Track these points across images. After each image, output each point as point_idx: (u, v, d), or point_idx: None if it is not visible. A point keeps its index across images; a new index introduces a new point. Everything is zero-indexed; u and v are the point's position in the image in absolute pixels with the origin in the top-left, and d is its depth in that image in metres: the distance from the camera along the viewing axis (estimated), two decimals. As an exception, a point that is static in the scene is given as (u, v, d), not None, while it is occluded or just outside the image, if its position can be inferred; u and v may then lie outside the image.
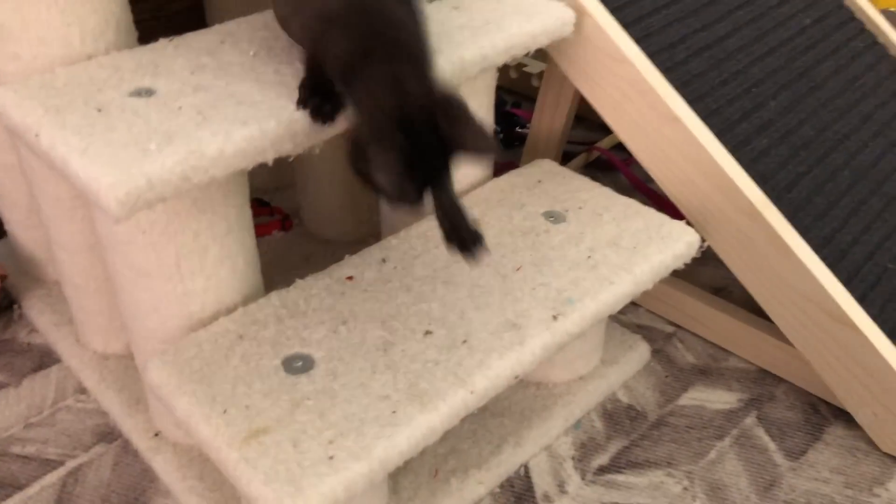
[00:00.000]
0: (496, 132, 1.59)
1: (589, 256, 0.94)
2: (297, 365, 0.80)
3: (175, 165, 0.70)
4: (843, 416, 1.02)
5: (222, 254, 0.84)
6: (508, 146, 1.58)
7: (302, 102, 0.78)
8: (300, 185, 1.27)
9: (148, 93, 0.80)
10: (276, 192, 1.38)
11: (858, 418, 1.00)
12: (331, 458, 0.70)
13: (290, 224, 1.31)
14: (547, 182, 1.07)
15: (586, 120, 1.53)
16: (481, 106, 1.01)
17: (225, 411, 0.75)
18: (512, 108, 1.65)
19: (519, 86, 1.75)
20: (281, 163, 1.32)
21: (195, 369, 0.79)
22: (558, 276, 0.91)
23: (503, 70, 1.66)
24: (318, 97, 0.78)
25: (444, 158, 0.72)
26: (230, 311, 0.87)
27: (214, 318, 0.86)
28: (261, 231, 1.27)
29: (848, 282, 0.98)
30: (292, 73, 0.83)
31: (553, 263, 0.93)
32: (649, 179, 1.12)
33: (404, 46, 0.75)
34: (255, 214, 1.13)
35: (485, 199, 1.03)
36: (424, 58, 0.75)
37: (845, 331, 0.95)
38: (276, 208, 1.33)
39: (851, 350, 0.96)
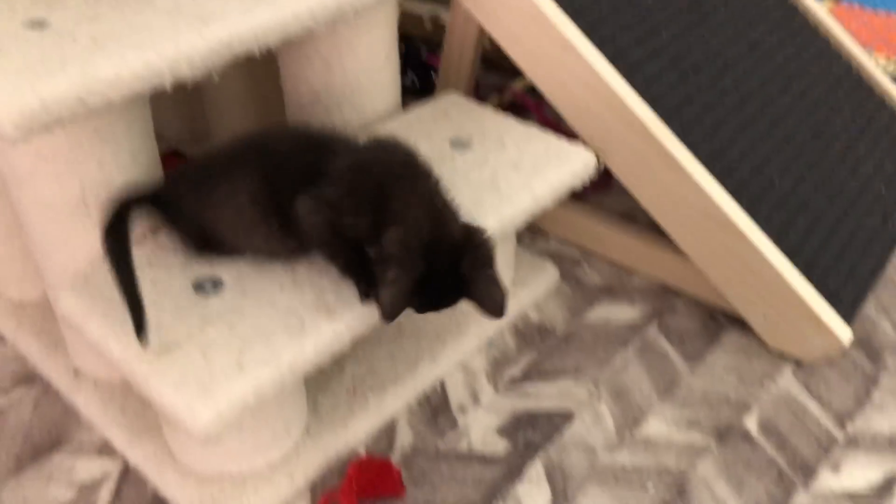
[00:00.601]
0: (413, 81, 1.62)
1: (492, 179, 0.98)
2: (207, 287, 0.82)
3: (70, 88, 0.71)
4: (738, 322, 1.09)
5: (128, 183, 0.86)
6: (426, 93, 1.61)
7: (365, 295, 0.80)
8: (215, 136, 1.28)
9: (42, 24, 0.80)
10: (192, 143, 1.38)
11: (750, 321, 1.07)
12: (240, 365, 0.73)
13: (206, 172, 1.31)
14: (453, 113, 1.10)
15: (500, 67, 1.57)
16: (382, 39, 1.04)
17: (136, 330, 0.77)
18: (428, 56, 1.68)
19: (437, 36, 1.78)
20: (196, 114, 1.34)
21: (106, 296, 0.81)
22: (462, 198, 0.95)
23: (419, 22, 1.70)
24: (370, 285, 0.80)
25: (451, 299, 0.77)
26: (141, 242, 0.88)
27: (126, 249, 0.88)
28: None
29: (736, 193, 1.04)
30: (189, 2, 0.84)
31: (458, 186, 0.97)
32: (561, 120, 1.17)
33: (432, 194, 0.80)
34: (173, 166, 1.14)
35: (393, 130, 1.06)
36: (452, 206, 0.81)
37: (735, 239, 1.02)
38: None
39: (742, 257, 1.02)
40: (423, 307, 0.79)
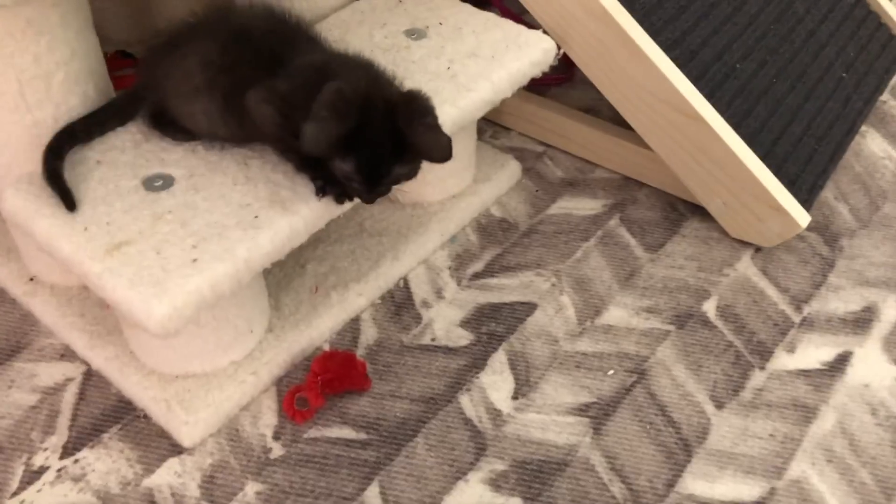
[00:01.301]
0: None
1: (448, 68, 0.95)
2: (157, 184, 0.80)
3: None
4: (699, 212, 1.10)
5: (69, 80, 0.82)
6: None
7: (321, 191, 0.79)
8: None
9: None
10: (139, 44, 1.32)
11: (710, 209, 1.07)
12: (194, 260, 0.72)
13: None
14: (409, 2, 1.06)
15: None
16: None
17: (85, 229, 0.75)
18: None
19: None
20: (142, 13, 1.28)
21: (53, 195, 0.78)
22: (417, 86, 0.92)
23: None
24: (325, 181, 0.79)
25: (398, 150, 0.75)
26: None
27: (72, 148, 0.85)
28: (126, 82, 1.23)
29: (697, 80, 1.02)
30: None
31: (414, 76, 0.94)
32: (524, 12, 1.14)
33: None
34: (119, 66, 1.10)
35: (345, 20, 1.03)
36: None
37: (696, 126, 1.01)
38: (139, 59, 1.29)
39: (702, 144, 1.02)
40: (363, 176, 0.75)
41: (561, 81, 1.31)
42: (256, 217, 0.76)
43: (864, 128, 1.23)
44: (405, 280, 1.02)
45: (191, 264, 0.72)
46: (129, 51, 1.30)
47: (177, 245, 0.73)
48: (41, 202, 0.77)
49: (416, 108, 0.76)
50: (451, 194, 1.09)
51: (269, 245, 0.75)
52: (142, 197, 0.78)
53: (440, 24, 1.02)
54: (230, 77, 0.79)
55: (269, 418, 0.86)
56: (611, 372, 0.91)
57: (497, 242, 1.07)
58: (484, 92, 0.93)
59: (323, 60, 0.81)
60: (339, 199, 0.79)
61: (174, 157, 0.83)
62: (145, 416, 0.86)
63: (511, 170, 1.15)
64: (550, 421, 0.86)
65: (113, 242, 0.74)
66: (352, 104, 0.73)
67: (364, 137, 0.73)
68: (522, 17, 1.36)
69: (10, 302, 0.98)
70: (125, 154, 0.83)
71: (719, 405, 0.88)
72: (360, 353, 0.93)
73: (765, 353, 0.94)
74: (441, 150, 0.75)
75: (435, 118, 0.77)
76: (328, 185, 0.78)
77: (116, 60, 1.24)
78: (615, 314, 0.98)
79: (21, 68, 0.78)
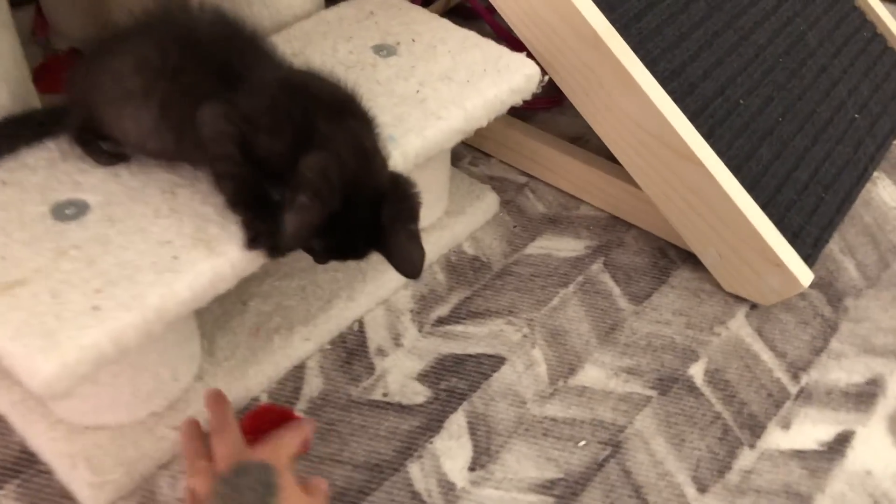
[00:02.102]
0: None
1: (418, 91, 0.85)
2: (69, 212, 0.69)
3: None
4: (691, 259, 1.00)
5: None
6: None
7: (253, 241, 0.68)
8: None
9: None
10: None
11: (704, 259, 0.97)
12: (95, 308, 0.62)
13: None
14: (380, 14, 0.96)
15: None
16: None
17: (-26, 263, 0.64)
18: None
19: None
20: (97, 10, 1.18)
21: (-59, 219, 0.68)
22: (381, 112, 0.81)
23: None
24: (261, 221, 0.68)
25: (362, 250, 0.68)
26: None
27: (-22, 165, 0.74)
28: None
29: (695, 117, 0.92)
30: None
31: (378, 99, 0.84)
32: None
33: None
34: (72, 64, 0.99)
35: (308, 31, 0.92)
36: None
37: (691, 167, 0.91)
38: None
39: (697, 188, 0.92)
40: (328, 253, 0.68)
41: (549, 106, 1.21)
42: (175, 258, 0.66)
43: (875, 173, 1.13)
44: (360, 323, 0.91)
45: (90, 312, 0.61)
46: (82, 48, 1.20)
47: (78, 288, 0.63)
48: (-74, 227, 0.67)
49: (405, 208, 0.68)
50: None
51: (187, 292, 0.65)
52: (48, 227, 0.68)
53: (413, 40, 0.92)
54: (170, 84, 0.69)
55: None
56: (582, 443, 0.81)
57: (467, 283, 0.97)
58: (455, 120, 0.83)
59: (299, 81, 0.71)
60: (273, 254, 0.69)
61: (92, 182, 0.72)
62: (48, 472, 0.76)
63: (488, 202, 1.05)
64: (510, 499, 0.76)
65: (4, 281, 0.63)
66: (336, 189, 0.63)
67: (341, 223, 0.65)
68: (513, 34, 1.26)
69: (-87, 328, 0.87)
70: (36, 175, 0.72)
71: (702, 488, 0.78)
72: (301, 405, 0.82)
73: (756, 429, 0.83)
74: (413, 267, 0.68)
75: (417, 225, 0.69)
76: (262, 234, 0.68)
77: (71, 57, 1.14)
78: (591, 374, 0.87)
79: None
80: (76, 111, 0.74)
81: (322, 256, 0.69)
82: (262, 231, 0.67)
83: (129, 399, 0.75)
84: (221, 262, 0.67)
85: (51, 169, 0.73)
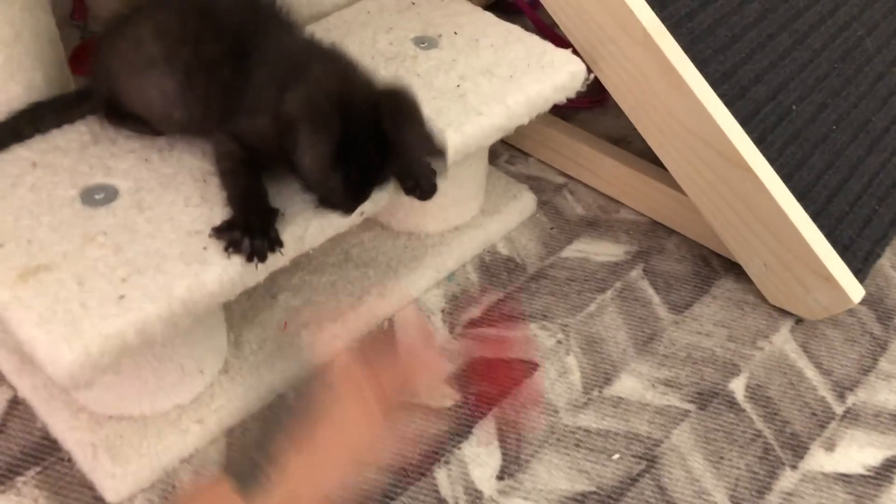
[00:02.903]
0: None
1: (458, 85, 0.82)
2: (98, 197, 0.68)
3: None
4: (735, 269, 0.96)
5: (11, 65, 0.70)
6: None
7: (232, 246, 0.64)
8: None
9: None
10: None
11: (749, 270, 0.93)
12: (121, 297, 0.60)
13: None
14: (422, 4, 0.94)
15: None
16: None
17: (1, 245, 0.63)
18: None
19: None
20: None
21: (-31, 198, 0.66)
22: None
23: None
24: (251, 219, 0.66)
25: (383, 156, 0.65)
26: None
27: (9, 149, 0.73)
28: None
29: (746, 122, 0.89)
30: None
31: (417, 92, 0.81)
32: (556, 25, 1.02)
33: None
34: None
35: (347, 21, 0.90)
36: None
37: (740, 174, 0.87)
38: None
39: (744, 196, 0.88)
40: (352, 188, 0.65)
41: (591, 105, 1.18)
42: (205, 248, 0.64)
43: (930, 187, 1.08)
44: (390, 322, 0.89)
45: (116, 301, 0.60)
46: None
47: (105, 276, 0.61)
48: (-47, 208, 0.66)
49: (402, 106, 0.65)
50: (454, 226, 0.96)
51: (216, 284, 0.63)
52: (76, 212, 0.66)
53: (455, 33, 0.89)
54: (192, 49, 0.67)
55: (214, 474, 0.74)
56: (616, 456, 0.78)
57: (500, 285, 0.94)
58: (496, 117, 0.80)
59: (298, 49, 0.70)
60: (250, 258, 0.65)
61: (123, 167, 0.70)
62: (69, 460, 0.74)
63: (524, 202, 1.02)
64: (539, 511, 0.73)
65: (30, 265, 0.62)
66: (329, 110, 0.61)
67: (351, 146, 0.62)
68: (555, 30, 1.23)
69: (-59, 308, 0.86)
70: (67, 157, 0.71)
71: (740, 510, 0.74)
72: (327, 405, 0.80)
73: (798, 449, 0.80)
74: (431, 146, 0.66)
75: (424, 125, 0.66)
76: (247, 237, 0.64)
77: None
78: (627, 384, 0.84)
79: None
80: (101, 89, 0.73)
81: (346, 198, 0.66)
82: (256, 229, 0.64)
83: (154, 390, 0.73)
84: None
85: (82, 152, 0.72)
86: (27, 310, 0.59)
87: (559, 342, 0.88)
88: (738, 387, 0.85)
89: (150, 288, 0.61)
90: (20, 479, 0.73)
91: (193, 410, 0.75)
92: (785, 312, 0.92)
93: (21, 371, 0.77)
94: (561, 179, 1.08)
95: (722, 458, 0.78)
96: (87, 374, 0.58)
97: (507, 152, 1.12)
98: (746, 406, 0.83)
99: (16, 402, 0.79)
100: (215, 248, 0.64)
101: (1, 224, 0.65)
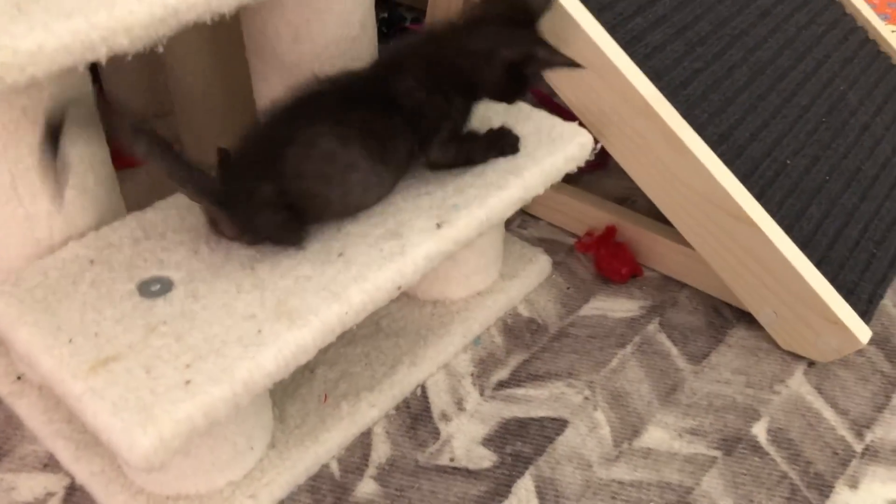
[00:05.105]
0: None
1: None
2: (154, 289, 0.73)
3: (-18, 63, 0.61)
4: (746, 318, 1.01)
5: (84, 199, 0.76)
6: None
7: (514, 142, 0.92)
8: (178, 110, 1.18)
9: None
10: (155, 119, 1.28)
11: (759, 318, 0.98)
12: (187, 382, 0.64)
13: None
14: (435, 88, 1.00)
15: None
16: (357, 4, 0.93)
17: (70, 340, 0.67)
18: (411, 24, 1.57)
19: (421, 2, 1.66)
20: (158, 87, 1.23)
21: (38, 298, 0.71)
22: (443, 184, 0.85)
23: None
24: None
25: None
26: (83, 236, 0.79)
27: (66, 244, 0.78)
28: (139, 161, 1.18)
29: (746, 179, 0.95)
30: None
31: (438, 172, 0.87)
32: (556, 94, 1.08)
33: None
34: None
35: (367, 107, 0.96)
36: None
37: (743, 228, 0.93)
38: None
39: (750, 248, 0.93)
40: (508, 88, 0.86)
41: (594, 169, 1.24)
42: (260, 331, 0.69)
43: (922, 227, 1.14)
44: (423, 388, 0.93)
45: (183, 387, 0.64)
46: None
47: (169, 363, 0.66)
48: (24, 308, 0.70)
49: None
50: (476, 291, 1.01)
51: (272, 364, 0.67)
52: (135, 304, 0.71)
53: (469, 112, 0.95)
54: (369, 134, 0.77)
55: (266, 548, 0.77)
56: (651, 505, 0.81)
57: (524, 346, 0.98)
58: (514, 189, 0.86)
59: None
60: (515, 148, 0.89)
61: (175, 259, 0.75)
62: (130, 543, 0.77)
63: (541, 265, 1.07)
64: (583, 563, 0.76)
65: (99, 357, 0.66)
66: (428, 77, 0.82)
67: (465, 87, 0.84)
68: (554, 100, 1.30)
69: (-6, 401, 0.90)
70: (122, 252, 0.76)
71: (775, 550, 0.78)
72: (370, 472, 0.84)
73: (824, 488, 0.83)
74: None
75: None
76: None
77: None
78: (655, 435, 0.88)
79: (14, 159, 0.72)
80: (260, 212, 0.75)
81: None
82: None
83: (209, 468, 0.76)
84: (304, 334, 0.69)
85: (135, 247, 0.77)
86: (101, 400, 0.63)
87: (586, 398, 0.92)
88: (760, 431, 0.89)
89: (213, 372, 0.65)
90: (83, 563, 0.76)
91: (246, 486, 0.79)
92: (797, 356, 0.97)
93: (78, 458, 0.81)
94: (571, 240, 1.14)
95: (752, 501, 0.82)
96: (161, 457, 0.62)
97: (518, 217, 1.17)
98: (770, 449, 0.87)
99: (73, 489, 0.82)
100: (269, 329, 0.69)
101: (68, 320, 0.69)
